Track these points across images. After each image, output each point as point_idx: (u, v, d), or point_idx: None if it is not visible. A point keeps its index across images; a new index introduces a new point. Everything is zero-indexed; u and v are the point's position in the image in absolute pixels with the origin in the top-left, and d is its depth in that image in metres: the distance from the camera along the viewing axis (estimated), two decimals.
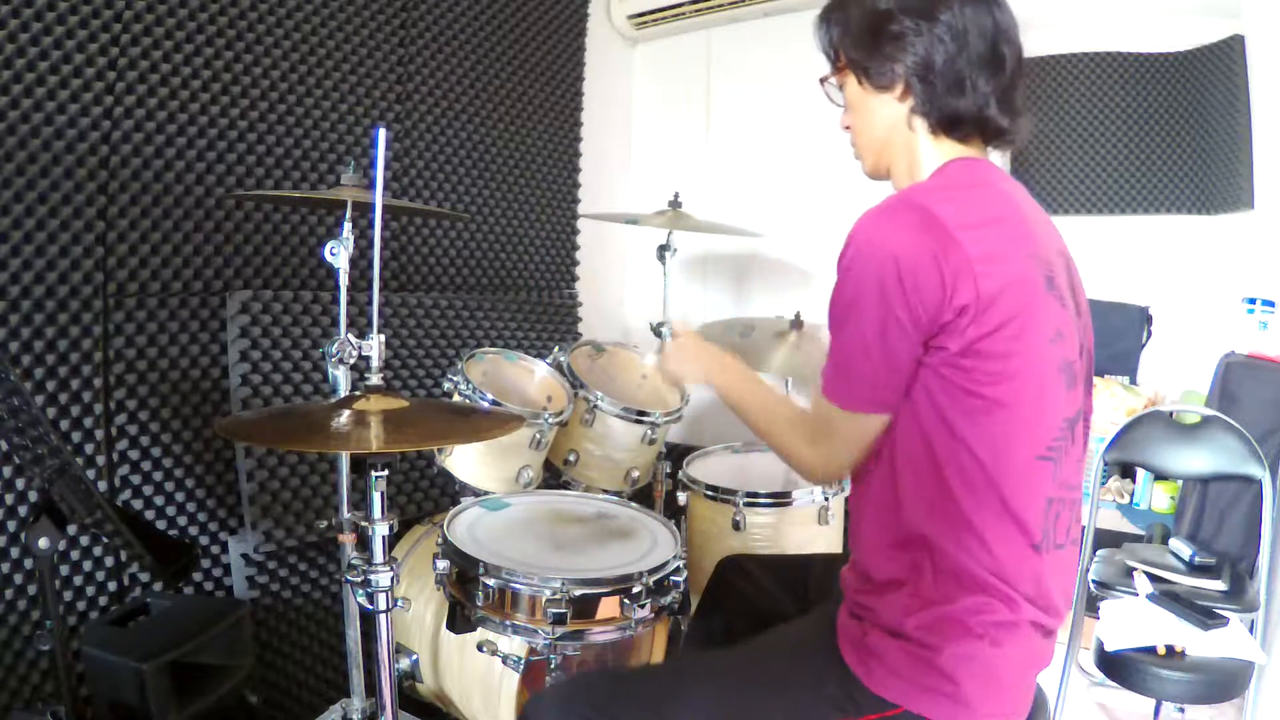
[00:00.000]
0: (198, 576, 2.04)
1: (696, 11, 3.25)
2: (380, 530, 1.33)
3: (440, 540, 1.54)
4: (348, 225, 1.56)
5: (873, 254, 1.02)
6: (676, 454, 2.41)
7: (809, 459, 1.17)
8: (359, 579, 1.34)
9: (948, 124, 1.11)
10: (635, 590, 1.43)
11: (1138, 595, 1.82)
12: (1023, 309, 1.00)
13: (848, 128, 1.21)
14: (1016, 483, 1.03)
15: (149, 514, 1.93)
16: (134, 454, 1.89)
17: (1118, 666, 1.65)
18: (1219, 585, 1.88)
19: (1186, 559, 1.98)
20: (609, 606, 1.43)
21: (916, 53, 1.08)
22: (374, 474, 1.30)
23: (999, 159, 1.20)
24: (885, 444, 1.09)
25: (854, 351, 1.05)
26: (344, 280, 1.58)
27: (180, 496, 1.98)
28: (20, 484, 1.69)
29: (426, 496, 2.47)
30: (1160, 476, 2.42)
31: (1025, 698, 1.10)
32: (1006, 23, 1.10)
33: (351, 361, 1.53)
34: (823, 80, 1.22)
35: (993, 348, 0.99)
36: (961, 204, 1.03)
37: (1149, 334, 2.68)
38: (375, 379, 1.38)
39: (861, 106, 1.17)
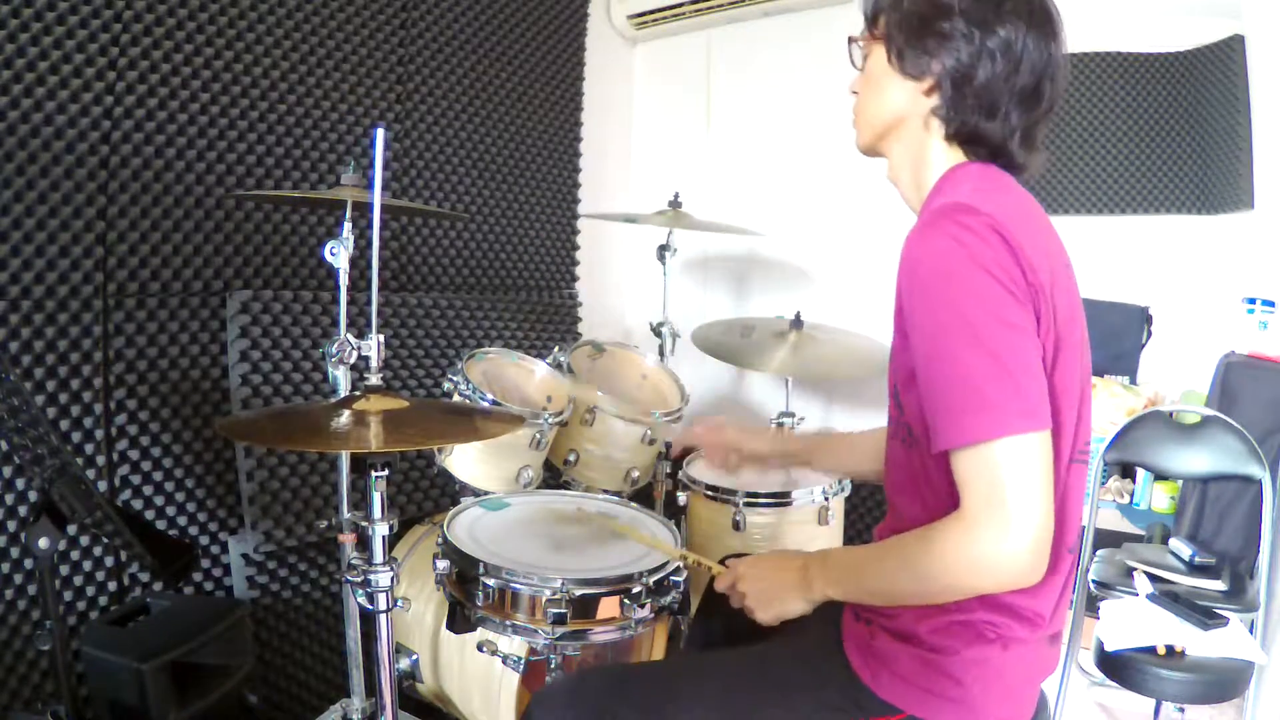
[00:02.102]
0: (198, 576, 2.04)
1: (696, 11, 3.25)
2: (380, 530, 1.33)
3: (440, 540, 1.54)
4: (348, 225, 1.56)
5: (954, 258, 0.93)
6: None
7: (989, 545, 0.89)
8: (359, 579, 1.34)
9: (966, 139, 1.07)
10: (635, 590, 1.43)
11: (1138, 595, 1.82)
12: (1069, 316, 0.99)
13: (856, 93, 1.16)
14: (1064, 488, 1.01)
15: (149, 514, 1.93)
16: (134, 454, 1.89)
17: (1118, 666, 1.65)
18: (1219, 585, 1.88)
19: (1186, 559, 1.98)
20: (609, 606, 1.43)
21: (959, 58, 1.02)
22: (374, 474, 1.30)
23: None
24: (924, 464, 1.03)
25: (971, 373, 0.90)
26: (344, 280, 1.59)
27: (180, 496, 1.98)
28: (20, 484, 1.69)
29: (426, 496, 2.47)
30: (1160, 476, 2.42)
31: (1030, 702, 1.10)
32: (1060, 59, 1.05)
33: (351, 361, 1.53)
34: (851, 40, 1.16)
35: (1049, 357, 0.97)
36: (1005, 209, 0.98)
37: (1149, 334, 2.68)
38: (375, 379, 1.38)
39: (880, 82, 1.11)
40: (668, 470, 2.37)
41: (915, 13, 1.05)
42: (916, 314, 0.96)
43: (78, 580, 1.80)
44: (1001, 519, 0.89)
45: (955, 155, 1.09)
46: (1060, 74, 1.05)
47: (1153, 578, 1.89)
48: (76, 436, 1.79)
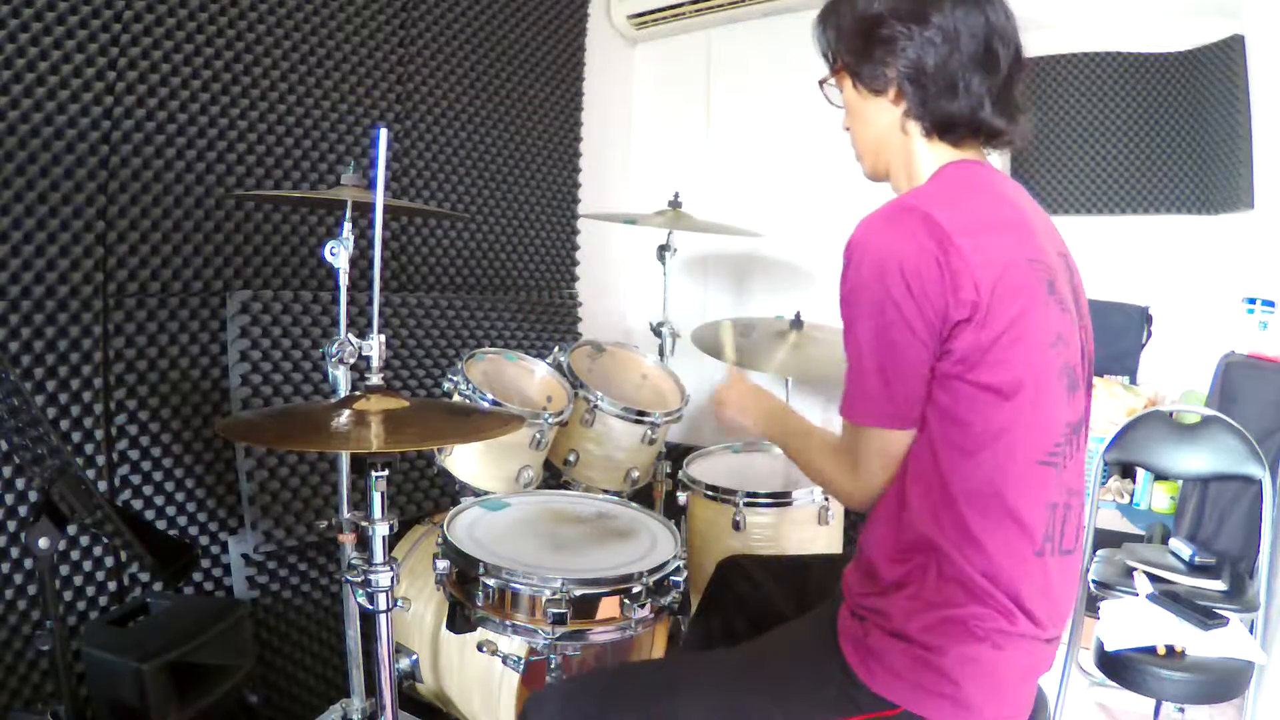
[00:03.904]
0: (198, 576, 2.04)
1: (696, 11, 3.25)
2: (380, 530, 1.33)
3: (440, 540, 1.54)
4: (348, 225, 1.56)
5: (876, 262, 1.01)
6: (676, 454, 2.41)
7: (843, 483, 1.16)
8: (359, 579, 1.34)
9: (942, 127, 1.11)
10: (635, 590, 1.43)
11: (1138, 595, 1.82)
12: (1022, 314, 1.00)
13: (849, 129, 1.22)
14: (1019, 489, 1.02)
15: (149, 514, 1.93)
16: (134, 454, 1.89)
17: (1118, 666, 1.65)
18: (1219, 585, 1.88)
19: (1186, 559, 1.98)
20: (609, 606, 1.43)
21: (908, 56, 1.08)
22: (374, 474, 1.29)
23: (999, 160, 1.20)
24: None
25: (863, 365, 1.05)
26: (344, 280, 1.59)
27: (180, 496, 1.98)
28: (20, 484, 1.69)
29: (426, 496, 2.47)
30: (1160, 476, 2.42)
31: (1027, 700, 1.10)
32: (1000, 21, 1.09)
33: (351, 361, 1.54)
34: (821, 83, 1.23)
35: (995, 355, 0.99)
36: (961, 209, 1.03)
37: (1149, 334, 2.68)
38: (375, 379, 1.38)
39: (857, 110, 1.18)
40: (668, 470, 2.38)
41: (853, 33, 1.13)
42: (841, 292, 1.07)
43: (78, 580, 1.80)
44: (854, 474, 1.13)
45: (940, 152, 1.13)
46: (1008, 35, 1.10)
47: (1153, 578, 1.89)
48: (76, 436, 1.79)
